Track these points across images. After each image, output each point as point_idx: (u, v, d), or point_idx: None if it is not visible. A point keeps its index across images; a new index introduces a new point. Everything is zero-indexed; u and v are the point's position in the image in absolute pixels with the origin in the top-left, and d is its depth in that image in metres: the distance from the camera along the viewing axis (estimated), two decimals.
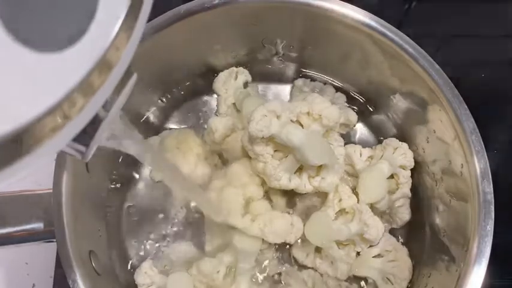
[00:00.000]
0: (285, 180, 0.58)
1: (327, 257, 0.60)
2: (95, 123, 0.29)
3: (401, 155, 0.63)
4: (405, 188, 0.62)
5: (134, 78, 0.32)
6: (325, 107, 0.57)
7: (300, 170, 0.59)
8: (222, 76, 0.70)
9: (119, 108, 0.31)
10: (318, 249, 0.61)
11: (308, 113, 0.57)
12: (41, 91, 0.21)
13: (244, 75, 0.71)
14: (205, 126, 0.69)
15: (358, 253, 0.61)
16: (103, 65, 0.23)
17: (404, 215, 0.63)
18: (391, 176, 0.63)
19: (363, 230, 0.58)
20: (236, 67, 0.71)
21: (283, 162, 0.58)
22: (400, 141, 0.64)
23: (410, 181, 0.64)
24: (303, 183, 0.59)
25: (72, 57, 0.22)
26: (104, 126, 0.29)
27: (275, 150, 0.58)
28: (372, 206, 0.61)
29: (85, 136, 0.29)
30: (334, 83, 0.72)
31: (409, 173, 0.63)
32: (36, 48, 0.21)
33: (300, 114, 0.57)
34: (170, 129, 0.70)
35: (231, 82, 0.69)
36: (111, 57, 0.24)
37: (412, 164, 0.63)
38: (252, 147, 0.58)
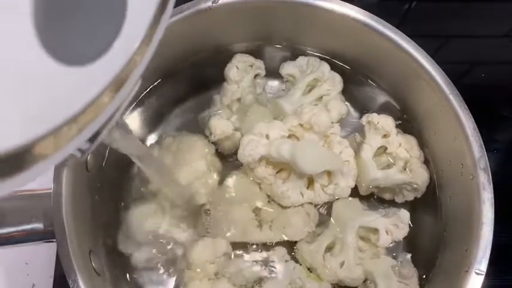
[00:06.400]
0: (296, 196, 0.58)
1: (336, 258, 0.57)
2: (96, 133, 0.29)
3: (375, 126, 0.60)
4: (401, 152, 0.60)
5: (138, 84, 0.31)
6: (313, 115, 0.57)
7: (311, 183, 0.59)
8: (235, 62, 0.65)
9: (120, 114, 0.31)
10: (328, 248, 0.58)
11: (300, 125, 0.57)
12: (61, 103, 0.21)
13: (258, 68, 0.66)
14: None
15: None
16: (118, 79, 0.24)
17: (420, 172, 0.60)
18: (385, 151, 0.61)
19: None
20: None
21: (289, 180, 0.58)
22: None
23: (413, 140, 0.61)
24: (317, 195, 0.59)
25: (94, 71, 0.22)
26: (103, 134, 0.30)
27: (278, 171, 0.58)
28: (379, 188, 0.61)
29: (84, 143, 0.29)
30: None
31: (393, 137, 0.60)
32: (63, 61, 0.21)
33: (292, 128, 0.58)
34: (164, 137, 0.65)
35: (243, 74, 0.64)
36: (127, 71, 0.24)
37: (390, 128, 0.60)
38: (253, 173, 0.58)
